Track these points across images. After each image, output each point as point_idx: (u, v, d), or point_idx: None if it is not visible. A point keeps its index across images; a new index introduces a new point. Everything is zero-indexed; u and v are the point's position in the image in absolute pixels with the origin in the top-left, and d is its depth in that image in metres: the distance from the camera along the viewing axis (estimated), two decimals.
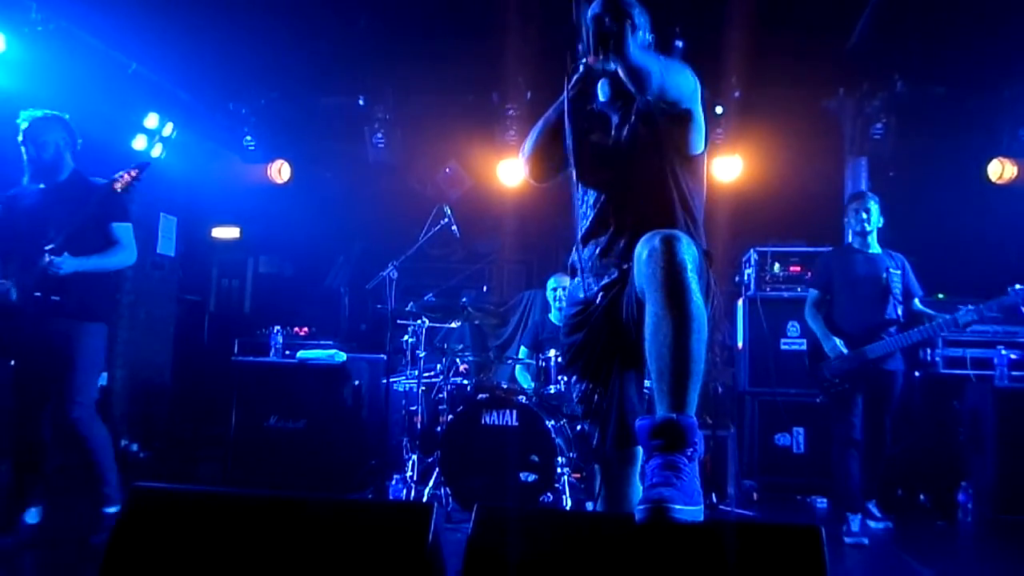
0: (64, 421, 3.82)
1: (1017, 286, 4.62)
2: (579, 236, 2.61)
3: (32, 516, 3.99)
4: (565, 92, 2.42)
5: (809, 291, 5.23)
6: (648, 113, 2.50)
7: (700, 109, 2.47)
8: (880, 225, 5.05)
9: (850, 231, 5.17)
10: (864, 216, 5.00)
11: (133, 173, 3.92)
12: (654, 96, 2.30)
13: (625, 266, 2.35)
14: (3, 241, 3.99)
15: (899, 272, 4.97)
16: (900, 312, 4.90)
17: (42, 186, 4.02)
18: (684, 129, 2.48)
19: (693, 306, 1.99)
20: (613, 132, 2.58)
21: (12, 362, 3.95)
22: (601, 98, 2.63)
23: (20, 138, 4.00)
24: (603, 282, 2.49)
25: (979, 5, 5.42)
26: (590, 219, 2.58)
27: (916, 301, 5.00)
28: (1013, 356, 5.41)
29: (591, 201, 2.60)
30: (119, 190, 3.87)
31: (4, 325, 3.85)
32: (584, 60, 2.37)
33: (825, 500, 5.61)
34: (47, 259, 3.74)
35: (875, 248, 5.06)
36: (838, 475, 4.92)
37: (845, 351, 4.86)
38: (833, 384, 4.90)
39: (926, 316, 4.88)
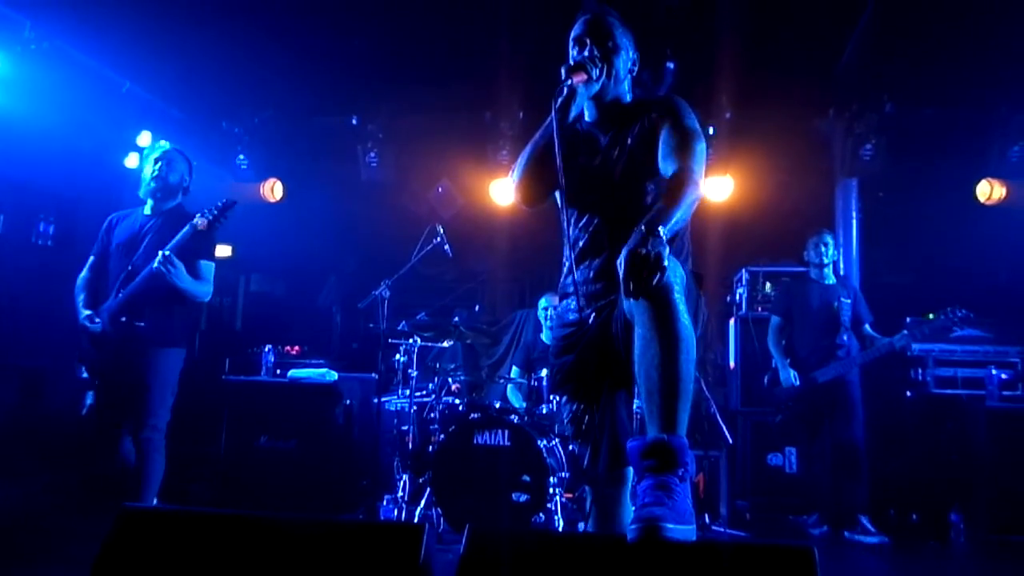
0: (135, 439, 3.97)
1: (949, 309, 5.07)
2: (571, 258, 2.60)
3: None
4: (553, 113, 2.39)
5: (772, 317, 5.67)
6: (646, 141, 2.48)
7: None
8: (835, 258, 5.54)
9: (809, 263, 5.56)
10: (823, 250, 5.47)
11: (219, 210, 4.06)
12: None
13: (616, 288, 2.34)
14: (105, 257, 4.20)
15: (849, 301, 5.39)
16: (847, 338, 5.33)
17: (147, 211, 4.20)
18: None
19: (681, 326, 1.99)
20: (602, 154, 2.56)
21: (96, 381, 4.16)
22: (587, 119, 2.64)
23: (156, 155, 4.20)
24: (596, 304, 2.48)
25: (968, 27, 5.48)
26: (584, 241, 2.55)
27: (867, 326, 5.43)
28: (1004, 376, 5.44)
29: (582, 223, 2.57)
30: (203, 228, 4.00)
31: (92, 348, 4.06)
32: (568, 81, 2.39)
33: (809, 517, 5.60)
34: (167, 254, 3.87)
35: (830, 279, 5.51)
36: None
37: (796, 383, 5.36)
38: (787, 406, 5.41)
39: (869, 340, 5.33)
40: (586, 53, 2.47)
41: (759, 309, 6.23)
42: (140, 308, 3.98)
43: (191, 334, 4.36)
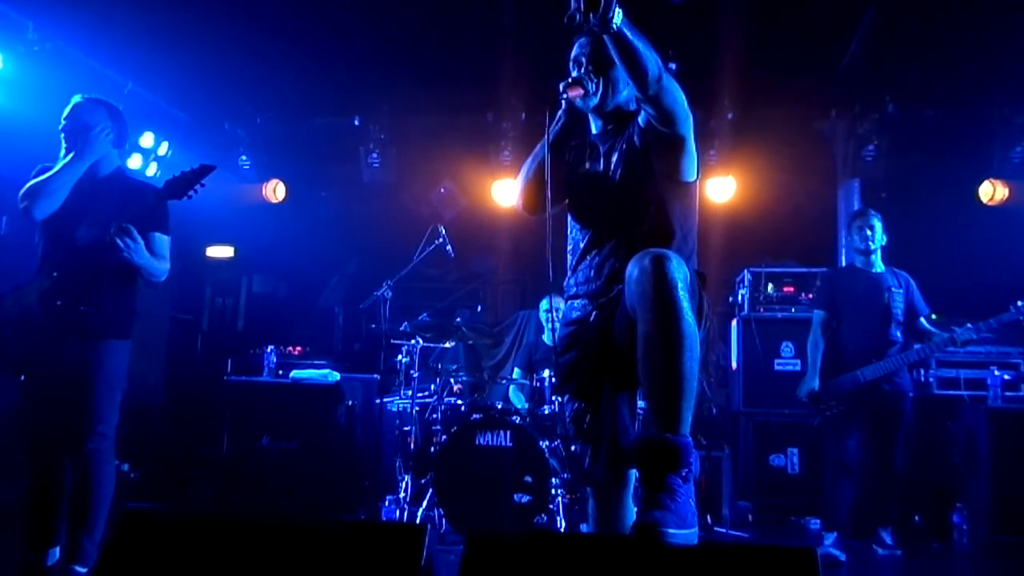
0: (77, 451, 3.34)
1: (1020, 303, 4.66)
2: (573, 260, 2.64)
3: (52, 557, 3.41)
4: (547, 128, 2.53)
5: (815, 312, 5.12)
6: (641, 141, 2.52)
7: (692, 136, 2.49)
8: (883, 243, 5.01)
9: (852, 250, 5.11)
10: (868, 234, 4.93)
11: (193, 175, 3.35)
12: (653, 94, 2.29)
13: (618, 287, 2.36)
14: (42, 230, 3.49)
15: (901, 291, 4.92)
16: (900, 334, 4.87)
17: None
18: (676, 156, 2.49)
19: (684, 323, 2.00)
20: (602, 160, 2.61)
21: (22, 377, 3.44)
22: (593, 131, 2.71)
23: (64, 114, 3.56)
24: (597, 302, 2.50)
25: (970, 27, 5.48)
26: (586, 242, 2.59)
27: (921, 320, 4.96)
28: (1006, 376, 5.41)
29: (585, 225, 2.62)
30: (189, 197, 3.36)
31: (15, 337, 3.36)
32: (565, 96, 2.48)
33: (819, 521, 5.58)
34: (124, 225, 3.24)
35: (879, 267, 5.00)
36: (826, 494, 4.94)
37: (801, 395, 4.92)
38: (830, 406, 4.85)
39: (926, 335, 4.88)
40: (582, 70, 2.55)
41: (761, 310, 6.23)
42: (82, 290, 3.34)
43: (133, 323, 3.60)
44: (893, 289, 4.90)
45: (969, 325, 4.69)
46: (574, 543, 2.05)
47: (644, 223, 2.48)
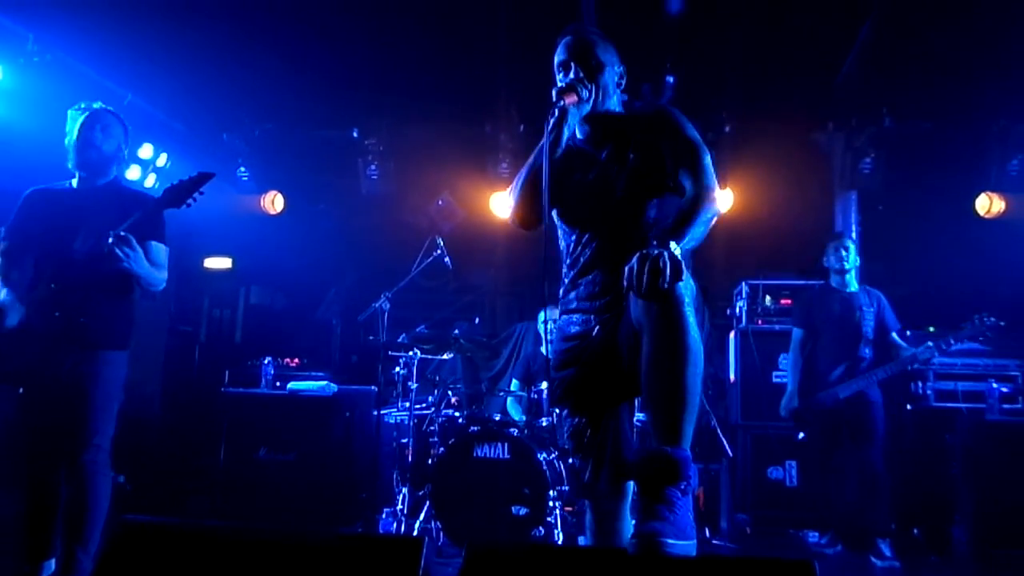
0: (73, 463, 3.32)
1: (976, 317, 4.88)
2: (571, 273, 2.60)
3: (48, 569, 3.40)
4: (544, 140, 2.45)
5: (793, 330, 5.47)
6: (646, 156, 2.49)
7: None
8: (857, 264, 5.30)
9: (829, 270, 5.36)
10: (843, 254, 5.24)
11: (192, 183, 3.34)
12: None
13: (624, 301, 2.34)
14: (31, 238, 3.47)
15: (872, 309, 5.18)
16: (869, 351, 5.12)
17: (75, 187, 3.54)
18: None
19: (690, 339, 2.01)
20: (599, 169, 2.55)
21: (20, 390, 3.42)
22: (579, 136, 2.64)
23: (84, 118, 3.51)
24: (600, 317, 2.47)
25: (966, 40, 5.51)
26: (587, 256, 2.54)
27: (893, 335, 5.20)
28: (1004, 389, 5.43)
29: (584, 239, 2.56)
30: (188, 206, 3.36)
31: (12, 348, 3.32)
32: (560, 103, 2.43)
33: (817, 534, 5.56)
34: (121, 234, 3.19)
35: (853, 287, 5.29)
36: (820, 501, 5.36)
37: (783, 412, 5.33)
38: (809, 423, 5.24)
39: (895, 349, 5.13)
40: (572, 76, 2.50)
41: (759, 322, 6.23)
42: (81, 301, 3.32)
43: (131, 334, 3.58)
44: (864, 308, 5.18)
45: (930, 343, 4.92)
46: (572, 555, 2.04)
47: (647, 235, 2.45)
